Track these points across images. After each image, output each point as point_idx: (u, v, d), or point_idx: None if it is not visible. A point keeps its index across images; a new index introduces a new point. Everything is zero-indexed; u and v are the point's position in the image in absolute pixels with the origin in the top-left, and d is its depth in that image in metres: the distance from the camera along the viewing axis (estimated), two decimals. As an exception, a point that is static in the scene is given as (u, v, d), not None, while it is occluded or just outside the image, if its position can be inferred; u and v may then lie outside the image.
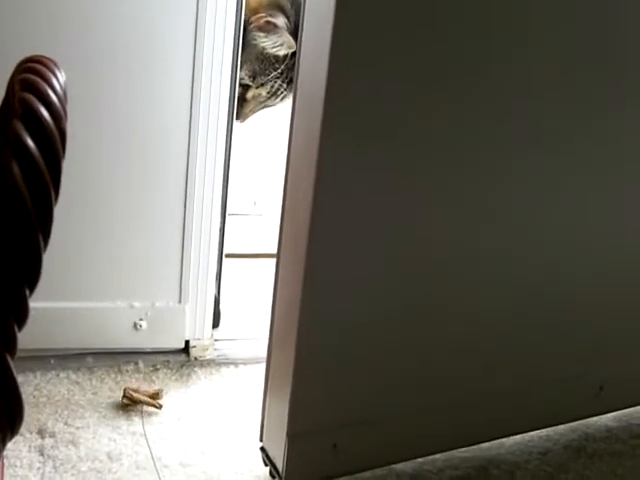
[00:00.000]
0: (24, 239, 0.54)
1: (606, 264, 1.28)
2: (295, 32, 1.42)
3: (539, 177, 1.14)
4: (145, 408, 1.29)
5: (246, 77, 1.76)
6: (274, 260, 1.12)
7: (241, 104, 1.81)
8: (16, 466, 1.14)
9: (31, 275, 0.55)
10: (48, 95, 0.57)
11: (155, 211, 1.34)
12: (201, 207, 1.36)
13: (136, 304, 1.38)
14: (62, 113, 0.57)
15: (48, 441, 1.20)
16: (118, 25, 1.23)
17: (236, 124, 1.76)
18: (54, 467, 1.15)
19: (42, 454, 1.17)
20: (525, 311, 1.23)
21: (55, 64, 0.62)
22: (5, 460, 1.12)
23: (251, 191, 2.17)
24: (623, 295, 1.33)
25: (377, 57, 0.95)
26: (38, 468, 1.14)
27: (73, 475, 1.13)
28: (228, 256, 1.51)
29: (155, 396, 1.31)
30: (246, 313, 1.62)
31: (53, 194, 0.55)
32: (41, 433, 1.21)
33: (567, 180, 1.16)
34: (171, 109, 1.29)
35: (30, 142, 0.54)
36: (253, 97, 1.82)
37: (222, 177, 1.38)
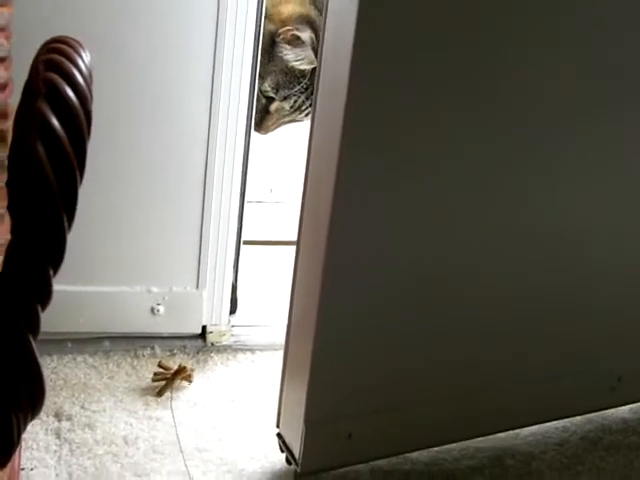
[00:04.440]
0: (49, 220, 0.54)
1: (622, 251, 1.27)
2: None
3: (550, 177, 1.14)
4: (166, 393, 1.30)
5: (270, 89, 1.78)
6: (291, 247, 1.12)
7: (264, 116, 1.83)
8: (33, 449, 1.14)
9: (55, 256, 0.55)
10: (73, 75, 0.56)
11: (174, 197, 1.34)
12: (220, 194, 1.36)
13: (154, 289, 1.38)
14: (87, 94, 0.57)
15: (65, 424, 1.20)
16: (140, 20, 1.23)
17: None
18: (70, 450, 1.15)
19: (59, 437, 1.17)
20: (542, 302, 1.22)
21: (80, 45, 0.61)
22: (22, 442, 1.12)
23: (268, 178, 2.16)
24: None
25: (397, 56, 0.94)
26: (55, 451, 1.14)
27: (89, 458, 1.14)
28: (245, 243, 1.51)
29: (182, 371, 1.32)
30: (263, 300, 1.62)
31: (78, 175, 0.55)
32: (58, 416, 1.21)
33: (573, 178, 1.16)
34: (192, 96, 1.29)
35: (55, 122, 0.53)
36: (276, 110, 1.83)
37: (241, 164, 1.38)
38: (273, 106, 1.83)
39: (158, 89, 1.27)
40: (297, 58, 1.74)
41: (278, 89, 1.79)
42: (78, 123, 0.55)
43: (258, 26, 1.33)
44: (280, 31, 1.73)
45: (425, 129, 1.01)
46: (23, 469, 1.09)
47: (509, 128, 1.07)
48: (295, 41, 1.73)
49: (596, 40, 1.07)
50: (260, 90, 1.79)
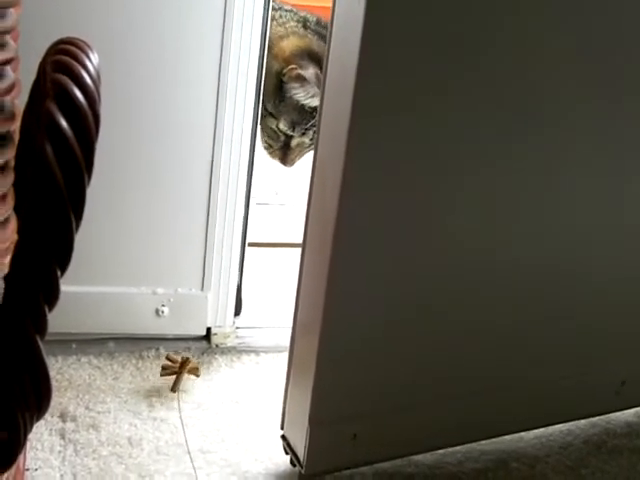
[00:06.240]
0: (57, 220, 0.54)
1: (625, 254, 1.27)
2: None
3: (551, 177, 1.13)
4: (167, 394, 1.30)
5: (286, 128, 1.79)
6: (295, 249, 1.12)
7: (286, 152, 1.85)
8: (37, 449, 1.14)
9: (63, 256, 0.55)
10: (82, 77, 0.57)
11: (180, 198, 1.34)
12: (225, 195, 1.36)
13: (159, 290, 1.38)
14: (96, 95, 0.57)
15: (69, 425, 1.20)
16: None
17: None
18: (75, 451, 1.15)
19: (63, 438, 1.17)
20: (546, 306, 1.22)
21: (88, 46, 0.62)
22: (27, 443, 1.12)
23: (273, 180, 2.17)
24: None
25: (402, 61, 0.94)
26: (59, 452, 1.15)
27: (94, 459, 1.14)
28: (250, 245, 1.51)
29: (187, 363, 1.32)
30: (267, 302, 1.62)
31: (86, 176, 0.55)
32: (62, 417, 1.21)
33: (576, 180, 1.16)
34: (197, 97, 1.29)
35: (64, 123, 0.54)
36: (297, 145, 1.85)
37: (247, 166, 1.38)
38: (294, 142, 1.84)
39: (165, 92, 1.27)
40: (307, 96, 1.75)
41: (294, 126, 1.80)
42: (86, 124, 0.55)
43: (264, 29, 1.33)
44: (285, 71, 1.73)
45: (430, 133, 1.01)
46: (28, 469, 1.09)
47: (510, 130, 1.07)
48: (300, 79, 1.74)
49: (596, 38, 1.07)
50: (278, 129, 1.80)
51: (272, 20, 1.79)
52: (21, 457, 0.97)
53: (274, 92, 1.75)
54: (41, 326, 0.56)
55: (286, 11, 1.83)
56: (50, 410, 1.19)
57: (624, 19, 1.09)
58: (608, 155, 1.17)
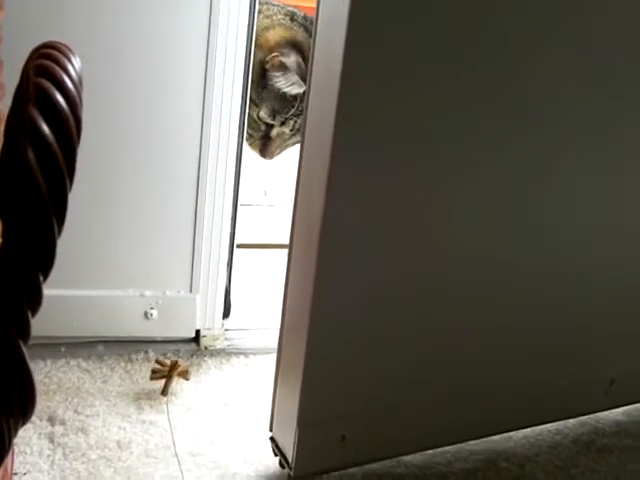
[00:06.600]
0: (39, 225, 0.54)
1: (617, 258, 1.27)
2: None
3: (550, 177, 1.14)
4: (156, 397, 1.30)
5: (267, 116, 1.80)
6: (284, 250, 1.12)
7: (266, 142, 1.86)
8: (26, 453, 1.14)
9: (45, 261, 0.55)
10: (63, 81, 0.56)
11: (167, 200, 1.34)
12: (213, 197, 1.36)
13: (147, 293, 1.38)
14: (77, 99, 0.57)
15: (58, 429, 1.20)
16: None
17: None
18: (64, 454, 1.15)
19: (52, 441, 1.17)
20: (538, 307, 1.23)
21: (70, 50, 0.61)
22: (15, 447, 1.12)
23: (262, 182, 2.17)
24: (635, 288, 1.32)
25: (390, 57, 0.94)
26: (48, 455, 1.14)
27: (83, 463, 1.13)
28: (238, 246, 1.51)
29: (176, 366, 1.32)
30: (256, 303, 1.62)
31: (68, 180, 0.55)
32: (51, 421, 1.21)
33: (575, 180, 1.16)
34: (184, 100, 1.29)
35: (45, 128, 0.53)
36: (277, 135, 1.85)
37: (234, 167, 1.38)
38: (274, 132, 1.85)
39: (150, 92, 1.27)
40: (288, 84, 1.76)
41: (275, 115, 1.81)
42: (68, 129, 0.54)
43: (250, 32, 1.33)
44: (267, 58, 1.74)
45: (419, 135, 1.01)
46: (16, 474, 1.09)
47: (510, 130, 1.07)
48: (282, 67, 1.74)
49: (596, 39, 1.07)
50: (258, 117, 1.81)
51: (259, 13, 1.80)
52: (9, 461, 0.97)
53: (257, 80, 1.75)
54: (24, 331, 0.56)
55: (273, 5, 1.84)
56: (39, 414, 1.20)
57: (624, 19, 1.09)
58: (608, 155, 1.17)
